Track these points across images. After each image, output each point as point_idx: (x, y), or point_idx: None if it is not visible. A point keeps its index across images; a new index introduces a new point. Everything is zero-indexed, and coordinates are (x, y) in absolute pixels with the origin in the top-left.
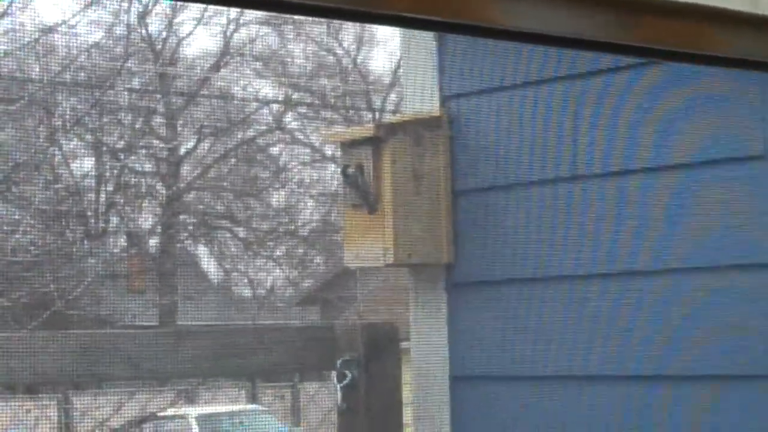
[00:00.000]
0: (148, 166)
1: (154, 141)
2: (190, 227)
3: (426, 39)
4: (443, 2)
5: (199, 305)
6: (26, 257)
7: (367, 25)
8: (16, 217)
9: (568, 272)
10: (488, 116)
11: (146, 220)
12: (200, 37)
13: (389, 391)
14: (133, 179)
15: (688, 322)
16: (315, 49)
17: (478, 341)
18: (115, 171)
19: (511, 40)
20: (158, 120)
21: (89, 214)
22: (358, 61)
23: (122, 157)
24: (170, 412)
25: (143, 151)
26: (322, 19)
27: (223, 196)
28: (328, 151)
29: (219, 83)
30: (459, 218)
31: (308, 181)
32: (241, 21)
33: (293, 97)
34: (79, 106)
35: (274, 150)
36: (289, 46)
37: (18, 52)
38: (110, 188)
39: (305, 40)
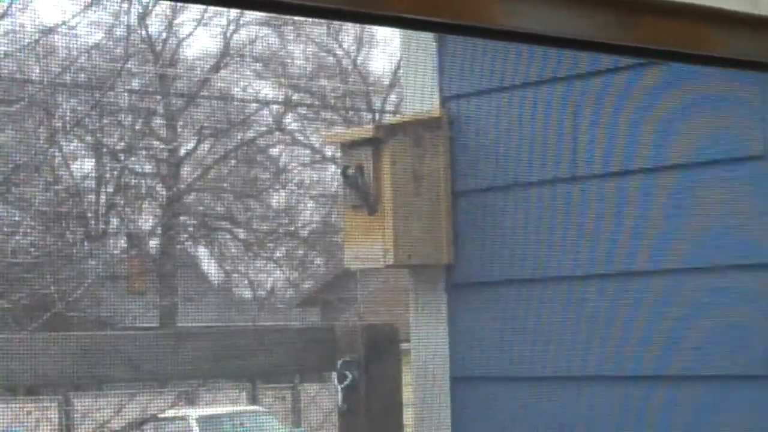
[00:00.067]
0: (148, 168)
1: (154, 142)
2: (191, 228)
3: (426, 40)
4: (443, 3)
5: (200, 306)
6: (26, 259)
7: (367, 26)
8: (17, 218)
9: (567, 273)
10: (488, 117)
11: (146, 222)
12: (200, 38)
13: (389, 392)
14: (133, 180)
15: (687, 322)
16: (315, 50)
17: (477, 342)
18: (115, 172)
19: (510, 40)
20: (158, 121)
21: (89, 215)
22: (358, 61)
23: (122, 158)
24: (171, 413)
25: (143, 153)
26: (322, 20)
27: (223, 197)
28: (328, 152)
29: (219, 84)
30: (459, 219)
31: (308, 182)
32: (241, 22)
33: (293, 98)
34: (79, 108)
35: (274, 151)
36: (289, 47)
37: (18, 54)
38: (110, 189)
39: (305, 41)
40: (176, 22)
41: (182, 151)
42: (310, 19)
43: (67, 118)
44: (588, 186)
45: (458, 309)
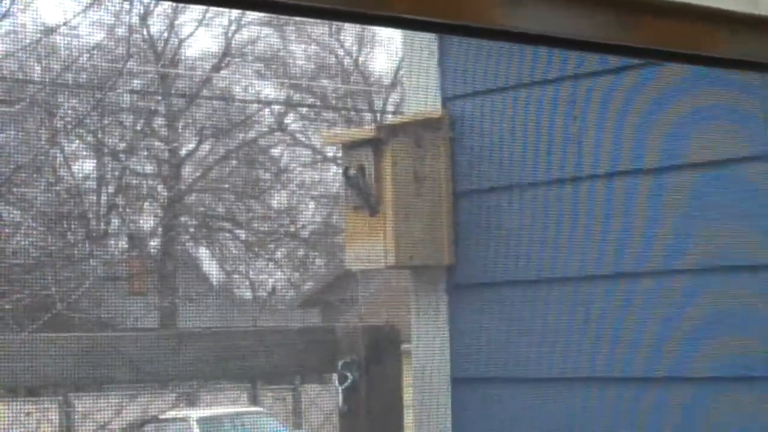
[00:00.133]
0: (149, 168)
1: (156, 142)
2: (192, 229)
3: (427, 40)
4: (443, 3)
5: (200, 307)
6: (27, 259)
7: (369, 26)
8: (18, 219)
9: (568, 274)
10: (489, 117)
11: (147, 222)
12: (201, 38)
13: (390, 393)
14: (134, 181)
15: (691, 324)
16: (316, 50)
17: (478, 343)
18: (116, 173)
19: (511, 41)
20: (159, 121)
21: (90, 216)
22: (360, 62)
23: (123, 158)
24: (171, 414)
25: (144, 153)
26: (323, 21)
27: (224, 197)
28: (330, 152)
29: (220, 84)
30: (460, 220)
31: (309, 182)
32: (243, 22)
33: (294, 98)
34: (80, 108)
35: (275, 151)
36: (290, 47)
37: (19, 53)
38: (111, 190)
39: (306, 41)
40: (177, 22)
41: (183, 152)
42: (311, 20)
43: (69, 118)
44: (588, 187)
45: (459, 310)
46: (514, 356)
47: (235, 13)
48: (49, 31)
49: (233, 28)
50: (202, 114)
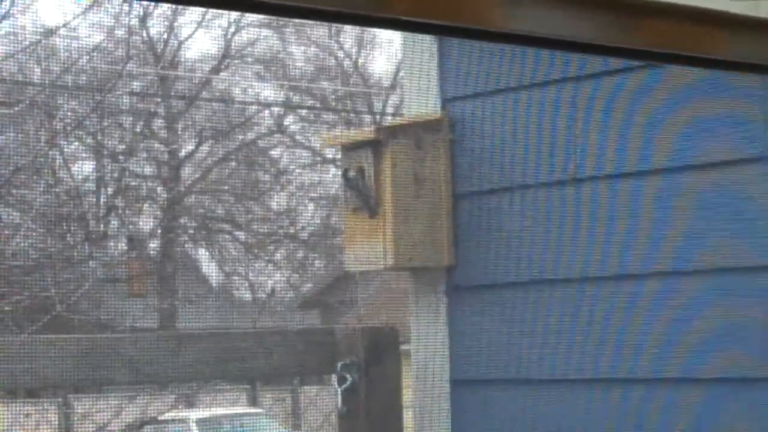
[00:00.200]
0: (148, 169)
1: (155, 144)
2: (191, 230)
3: (427, 42)
4: (443, 5)
5: (200, 309)
6: (27, 261)
7: (368, 28)
8: (17, 220)
9: (568, 275)
10: (489, 119)
11: (147, 224)
12: (201, 39)
13: (389, 394)
14: (133, 182)
15: (690, 325)
16: (316, 52)
17: (478, 344)
18: (116, 174)
19: (510, 43)
20: (159, 123)
21: (90, 217)
22: (359, 63)
23: (123, 160)
24: (170, 415)
25: (144, 155)
26: (322, 23)
27: (223, 199)
28: (329, 154)
29: (219, 86)
30: (459, 221)
31: (309, 184)
32: (242, 24)
33: (294, 99)
34: (79, 109)
35: (275, 153)
36: (289, 49)
37: (19, 55)
38: (111, 191)
39: (306, 42)
40: (177, 23)
41: (183, 153)
42: (311, 21)
43: (68, 119)
44: (588, 188)
45: (458, 311)
46: (515, 358)
47: (235, 14)
48: (49, 32)
49: (232, 30)
50: (202, 116)
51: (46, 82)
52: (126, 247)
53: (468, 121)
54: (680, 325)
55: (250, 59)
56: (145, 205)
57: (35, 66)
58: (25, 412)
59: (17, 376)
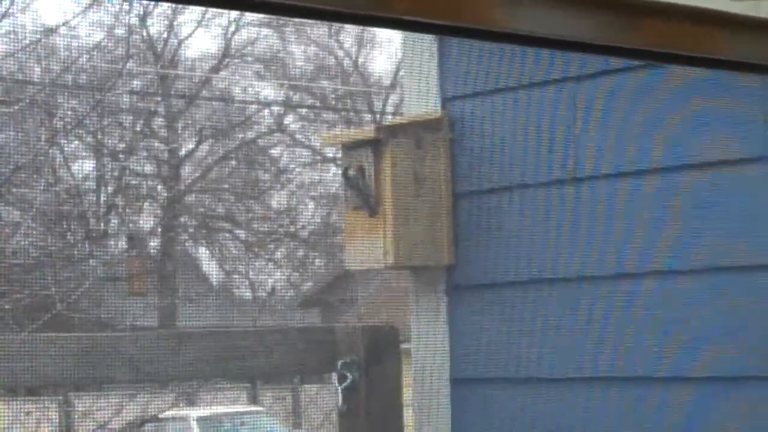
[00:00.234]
0: (148, 168)
1: (155, 143)
2: (191, 229)
3: (427, 41)
4: (443, 5)
5: (200, 307)
6: (27, 259)
7: (368, 27)
8: (17, 219)
9: (569, 275)
10: (489, 118)
11: (147, 222)
12: (201, 38)
13: (390, 393)
14: (133, 181)
15: (693, 325)
16: (316, 51)
17: (478, 343)
18: (116, 173)
19: (511, 42)
20: (159, 122)
21: (90, 216)
22: (359, 62)
23: (123, 158)
24: (171, 414)
25: (144, 153)
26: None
27: (223, 197)
28: (329, 153)
29: (219, 85)
30: (460, 220)
31: (309, 183)
32: (242, 22)
33: (294, 98)
34: (79, 108)
35: (275, 152)
36: (289, 48)
37: (19, 54)
38: (111, 190)
39: (306, 41)
40: (177, 22)
41: (183, 152)
42: (311, 20)
43: (68, 118)
44: (590, 187)
45: (459, 310)
46: (514, 357)
47: (234, 13)
48: (49, 31)
49: (232, 28)
50: (202, 114)
51: (46, 80)
52: (126, 246)
53: (468, 120)
54: (679, 324)
55: (250, 58)
56: (146, 203)
57: (35, 65)
58: (26, 410)
59: (18, 375)
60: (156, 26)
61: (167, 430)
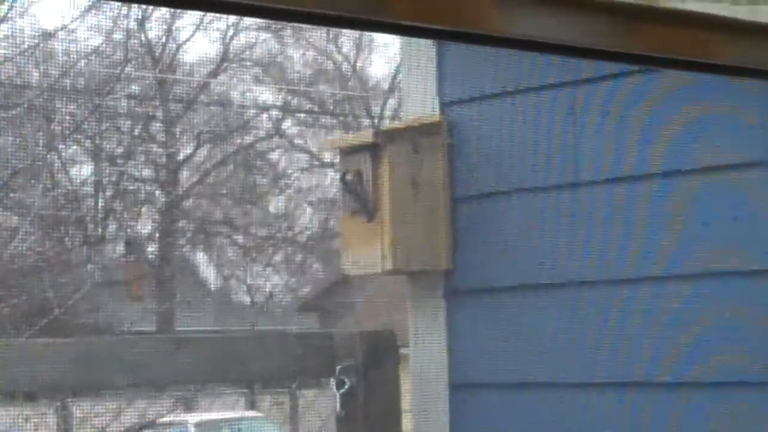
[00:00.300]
0: (146, 173)
1: (153, 147)
2: (189, 234)
3: (425, 45)
4: (443, 10)
5: (198, 312)
6: (25, 264)
7: (367, 32)
8: (15, 224)
9: (567, 279)
10: (487, 123)
11: (145, 227)
12: (199, 42)
13: (388, 398)
14: (131, 186)
15: (691, 329)
16: (314, 55)
17: (476, 348)
18: (114, 178)
19: (510, 47)
20: (157, 126)
21: (88, 220)
22: (357, 67)
23: (121, 163)
24: (169, 419)
25: (142, 158)
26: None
27: (221, 202)
28: (327, 157)
29: (218, 89)
30: (458, 225)
31: (307, 187)
32: (240, 26)
33: (292, 103)
34: (78, 113)
35: (273, 156)
36: (288, 52)
37: (17, 58)
38: (109, 195)
39: (304, 45)
40: (175, 26)
41: (181, 157)
42: (309, 25)
43: (66, 123)
44: (588, 192)
45: (457, 315)
46: (512, 362)
47: (233, 18)
48: (47, 36)
49: (231, 33)
50: (200, 119)
51: (45, 85)
52: (124, 251)
53: (466, 124)
54: (677, 329)
55: (248, 63)
56: (144, 208)
57: (33, 69)
58: (24, 415)
59: (15, 380)
60: (154, 30)
61: None
